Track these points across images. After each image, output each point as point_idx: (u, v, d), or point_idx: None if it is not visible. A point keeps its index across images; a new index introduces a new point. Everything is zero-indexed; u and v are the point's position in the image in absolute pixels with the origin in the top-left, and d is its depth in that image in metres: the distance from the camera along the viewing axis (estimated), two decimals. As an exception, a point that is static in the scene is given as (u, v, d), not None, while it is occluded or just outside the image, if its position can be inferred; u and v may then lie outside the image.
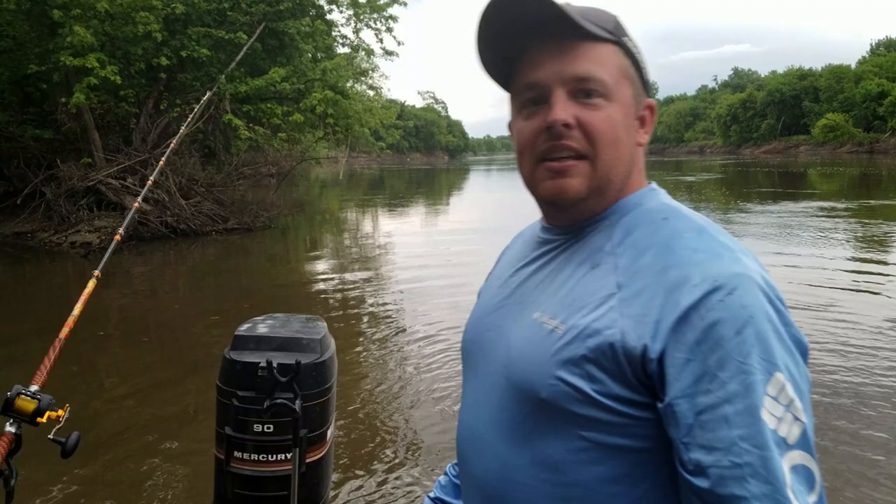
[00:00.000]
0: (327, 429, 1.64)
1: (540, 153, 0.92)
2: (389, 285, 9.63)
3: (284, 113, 14.10)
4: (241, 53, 12.19)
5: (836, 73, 78.72)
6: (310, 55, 14.84)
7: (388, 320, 7.50)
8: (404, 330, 6.90)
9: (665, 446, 0.81)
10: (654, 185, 1.02)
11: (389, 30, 15.18)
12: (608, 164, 0.91)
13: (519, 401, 0.92)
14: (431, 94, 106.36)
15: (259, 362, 1.51)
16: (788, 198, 21.18)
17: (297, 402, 1.50)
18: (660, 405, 0.80)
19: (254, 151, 20.85)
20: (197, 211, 13.99)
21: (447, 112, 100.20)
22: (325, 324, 1.79)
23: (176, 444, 4.19)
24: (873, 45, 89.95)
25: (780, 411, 0.75)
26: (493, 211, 20.93)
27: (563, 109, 0.89)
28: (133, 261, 11.54)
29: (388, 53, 15.45)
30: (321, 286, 9.58)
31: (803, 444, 0.76)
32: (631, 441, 0.83)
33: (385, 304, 8.37)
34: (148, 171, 13.40)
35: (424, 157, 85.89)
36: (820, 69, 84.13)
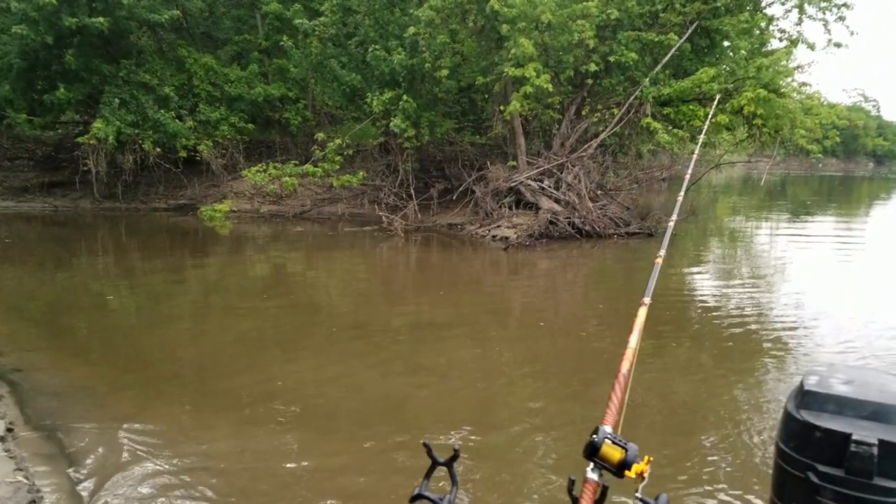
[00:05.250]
0: None
1: None
2: (781, 312, 8.35)
3: (707, 114, 13.30)
4: (669, 55, 11.77)
5: None
6: (743, 52, 13.69)
7: (781, 357, 6.39)
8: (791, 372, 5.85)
9: None
10: None
11: (841, 18, 13.10)
12: None
13: None
14: (860, 92, 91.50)
15: (850, 434, 1.25)
16: None
17: None
18: None
19: (650, 156, 20.53)
20: (602, 214, 14.14)
21: (878, 112, 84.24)
22: None
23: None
24: None
25: None
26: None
27: None
28: (540, 257, 12.28)
29: (837, 46, 13.36)
30: (709, 301, 9.05)
31: None
32: None
33: (778, 337, 7.15)
34: (563, 174, 14.04)
35: (841, 162, 74.03)
36: None
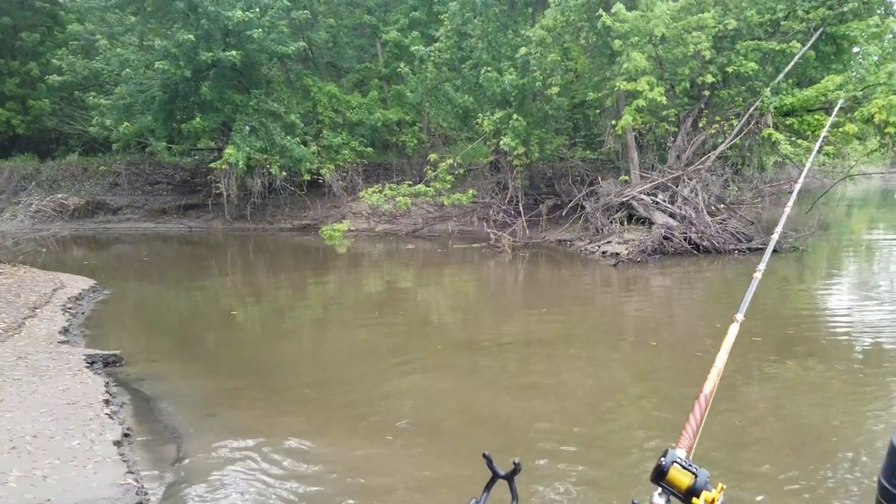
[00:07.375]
0: None
1: None
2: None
3: (834, 124, 12.52)
4: (792, 63, 11.24)
5: None
6: (874, 57, 12.82)
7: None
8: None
9: None
10: None
11: None
12: None
13: None
14: None
15: None
16: None
17: None
18: None
19: (776, 168, 19.44)
20: (722, 228, 13.58)
21: None
22: None
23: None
24: None
25: None
26: None
27: None
28: (653, 273, 11.98)
29: None
30: (840, 320, 8.45)
31: None
32: None
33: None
34: (679, 188, 13.65)
35: None
36: None
